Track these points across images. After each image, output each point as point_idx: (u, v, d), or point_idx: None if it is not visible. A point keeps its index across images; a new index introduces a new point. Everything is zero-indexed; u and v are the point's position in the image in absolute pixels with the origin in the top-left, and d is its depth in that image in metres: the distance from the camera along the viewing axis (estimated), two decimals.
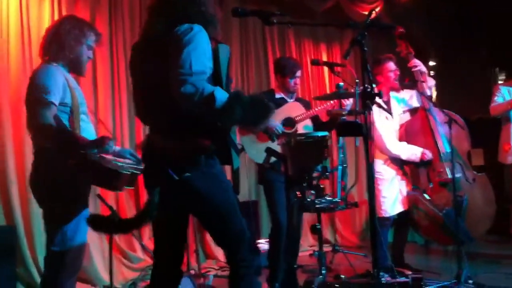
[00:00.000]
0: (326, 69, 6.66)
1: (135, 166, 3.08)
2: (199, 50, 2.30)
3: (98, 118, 4.48)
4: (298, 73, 4.29)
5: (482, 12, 7.07)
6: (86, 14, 4.76)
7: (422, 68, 4.61)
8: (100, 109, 4.96)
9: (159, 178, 2.40)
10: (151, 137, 2.53)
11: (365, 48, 2.75)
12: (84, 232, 2.91)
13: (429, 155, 4.49)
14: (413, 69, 4.62)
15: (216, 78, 2.39)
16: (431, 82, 4.73)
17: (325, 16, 6.28)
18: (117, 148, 3.20)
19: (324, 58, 6.55)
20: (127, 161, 3.11)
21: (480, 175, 4.80)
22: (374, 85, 2.93)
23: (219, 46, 2.44)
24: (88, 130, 2.93)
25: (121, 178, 2.73)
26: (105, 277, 4.53)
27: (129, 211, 4.95)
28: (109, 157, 2.76)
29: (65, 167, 2.65)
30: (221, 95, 2.25)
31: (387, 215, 4.52)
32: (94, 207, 4.44)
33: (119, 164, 2.87)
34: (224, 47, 2.48)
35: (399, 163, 4.62)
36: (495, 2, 6.80)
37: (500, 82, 7.23)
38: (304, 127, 4.17)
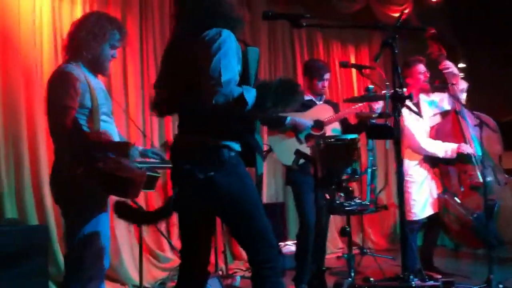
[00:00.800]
0: (354, 71, 6.63)
1: (157, 166, 3.06)
2: (228, 57, 2.32)
3: (129, 117, 4.53)
4: (326, 76, 4.29)
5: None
6: (117, 15, 4.82)
7: (454, 70, 4.55)
8: (131, 107, 5.02)
9: (184, 177, 2.42)
10: (178, 137, 2.56)
11: (396, 50, 2.75)
12: (105, 237, 2.86)
13: (466, 148, 4.42)
14: (444, 71, 4.57)
15: (244, 81, 2.42)
16: (463, 84, 4.67)
17: (353, 18, 6.26)
18: (140, 147, 3.20)
19: (352, 60, 6.53)
20: (151, 160, 3.10)
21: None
22: (404, 88, 2.90)
23: (248, 49, 2.46)
24: (109, 132, 2.86)
25: (136, 184, 2.64)
26: (134, 276, 4.60)
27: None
28: (126, 162, 2.64)
29: (78, 171, 2.61)
30: (250, 93, 2.29)
31: (417, 218, 4.48)
32: None
33: (140, 166, 2.83)
34: (254, 50, 2.50)
35: (430, 165, 4.58)
36: None
37: None
38: (332, 130, 4.17)
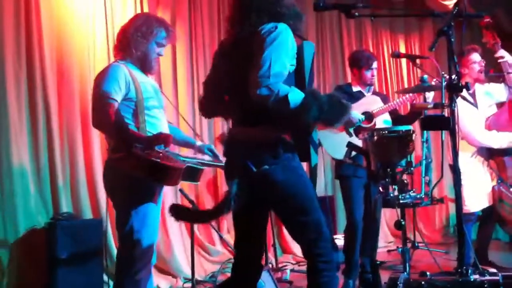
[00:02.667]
0: (404, 61, 6.50)
1: (202, 162, 3.12)
2: (281, 50, 2.32)
3: (179, 113, 4.58)
4: (374, 65, 4.21)
5: None
6: (167, 14, 4.88)
7: (510, 59, 4.40)
8: (180, 104, 5.09)
9: (239, 170, 2.42)
10: (233, 130, 2.57)
11: (452, 39, 2.67)
12: (153, 231, 2.92)
13: None
14: (500, 60, 4.43)
15: (299, 76, 2.42)
16: None
17: (404, 6, 6.12)
18: (199, 143, 3.27)
19: (402, 50, 6.40)
20: (206, 157, 3.16)
21: None
22: (459, 77, 2.82)
23: (304, 44, 2.45)
24: (157, 125, 2.93)
25: (174, 172, 2.72)
26: (185, 269, 4.66)
27: (208, 206, 5.04)
28: (164, 152, 2.73)
29: (121, 163, 2.73)
30: (295, 97, 2.27)
31: (472, 211, 4.37)
32: (175, 201, 4.58)
33: (186, 159, 2.90)
34: (309, 45, 2.49)
35: (485, 156, 4.45)
36: None
37: None
38: (383, 121, 4.10)
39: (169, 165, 2.68)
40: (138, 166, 2.67)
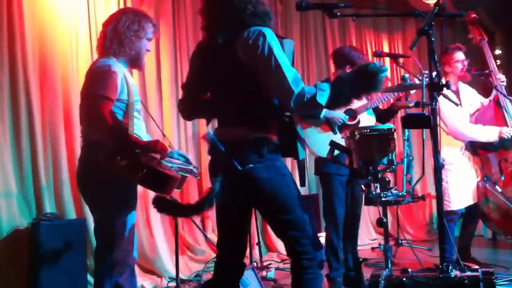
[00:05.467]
0: (387, 60, 6.53)
1: (185, 167, 3.11)
2: (282, 56, 2.37)
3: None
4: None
5: None
6: (151, 11, 4.86)
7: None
8: (164, 105, 5.09)
9: (223, 168, 2.44)
10: (218, 130, 2.58)
11: (433, 38, 2.70)
12: (133, 233, 2.91)
13: (508, 132, 4.34)
14: (486, 57, 4.49)
15: None
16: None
17: (386, 6, 6.16)
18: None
19: (386, 49, 6.44)
20: (176, 161, 3.14)
21: None
22: (440, 76, 2.85)
23: (283, 42, 2.48)
24: (140, 128, 2.91)
25: (174, 182, 2.69)
26: (170, 269, 4.66)
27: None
28: (158, 157, 2.69)
29: (114, 165, 2.61)
30: (323, 95, 2.32)
31: (455, 209, 4.42)
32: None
33: (170, 165, 2.87)
34: (289, 42, 2.52)
35: (470, 152, 4.51)
36: None
37: None
38: (367, 112, 4.11)
39: (173, 176, 2.66)
40: (138, 172, 2.59)
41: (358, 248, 4.23)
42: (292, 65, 2.47)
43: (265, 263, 5.05)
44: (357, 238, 4.18)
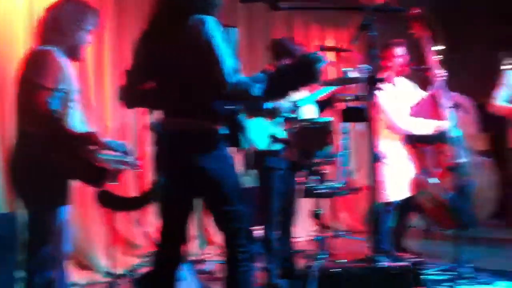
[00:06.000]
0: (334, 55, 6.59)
1: (122, 160, 3.05)
2: (223, 45, 2.37)
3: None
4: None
5: None
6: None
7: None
8: (106, 95, 4.99)
9: (169, 160, 2.45)
10: (165, 120, 2.56)
11: (373, 33, 2.75)
12: (67, 229, 2.85)
13: (444, 126, 4.45)
14: (427, 52, 4.59)
15: None
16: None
17: (333, 0, 6.19)
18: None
19: (331, 43, 6.47)
20: (113, 153, 3.07)
21: (486, 159, 4.79)
22: (379, 70, 2.90)
23: (227, 30, 2.48)
24: (77, 118, 2.85)
25: (108, 175, 2.68)
26: (105, 263, 4.59)
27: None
28: (94, 149, 2.66)
29: (49, 157, 2.57)
30: (257, 87, 2.32)
31: (392, 200, 4.53)
32: None
33: (107, 157, 2.81)
34: (232, 31, 2.54)
35: (409, 145, 4.61)
36: None
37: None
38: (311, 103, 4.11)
39: (107, 168, 2.64)
40: (73, 165, 2.57)
41: (298, 240, 4.25)
42: (235, 53, 2.47)
43: (203, 257, 5.02)
44: (291, 230, 4.17)
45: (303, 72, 2.40)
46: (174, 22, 2.43)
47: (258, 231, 4.84)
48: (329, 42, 6.51)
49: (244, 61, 5.56)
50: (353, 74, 3.75)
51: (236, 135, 2.52)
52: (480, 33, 7.49)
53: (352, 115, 2.82)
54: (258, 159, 3.96)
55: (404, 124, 4.50)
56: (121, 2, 5.17)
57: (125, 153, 3.10)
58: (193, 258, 4.76)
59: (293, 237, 4.17)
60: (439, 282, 3.94)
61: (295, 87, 2.45)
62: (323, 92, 4.10)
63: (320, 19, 6.53)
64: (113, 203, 2.60)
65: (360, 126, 3.57)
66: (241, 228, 2.49)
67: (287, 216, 4.05)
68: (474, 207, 4.52)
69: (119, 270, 4.48)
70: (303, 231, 5.57)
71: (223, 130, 2.48)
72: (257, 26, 6.01)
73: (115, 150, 3.02)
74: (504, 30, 7.29)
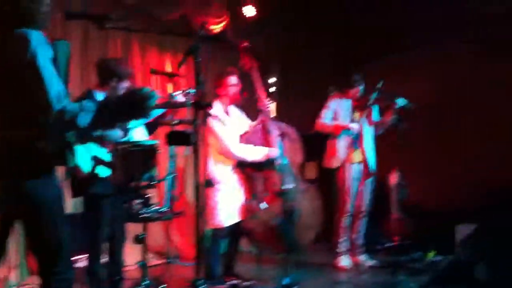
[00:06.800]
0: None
1: None
2: (47, 67, 2.25)
3: None
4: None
5: (325, 33, 7.53)
6: None
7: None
8: None
9: None
10: None
11: (199, 59, 2.82)
12: None
13: (274, 153, 4.67)
14: (256, 83, 4.80)
15: None
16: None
17: (173, 26, 6.24)
18: None
19: (169, 68, 6.48)
20: None
21: (310, 186, 5.12)
22: (206, 96, 2.96)
23: (57, 44, 2.38)
24: None
25: None
26: None
27: None
28: None
29: None
30: (84, 117, 2.24)
31: (224, 225, 4.60)
32: None
33: None
34: (63, 44, 2.43)
35: (239, 171, 4.74)
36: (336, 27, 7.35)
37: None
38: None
39: None
40: None
41: (129, 267, 4.11)
42: (67, 68, 2.38)
43: (26, 287, 4.67)
44: (121, 257, 4.01)
45: (133, 107, 2.36)
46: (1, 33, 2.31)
47: (82, 259, 4.65)
48: (168, 66, 6.50)
49: (78, 80, 5.44)
50: (180, 98, 3.78)
51: (63, 153, 2.40)
52: (312, 67, 8.02)
53: (177, 138, 2.83)
54: (83, 185, 3.69)
55: (237, 150, 4.63)
56: None
57: None
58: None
59: (123, 265, 4.05)
60: None
61: (124, 120, 2.43)
62: (152, 115, 4.07)
63: (159, 44, 6.53)
64: None
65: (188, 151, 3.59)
66: (60, 254, 2.39)
67: (115, 243, 3.91)
68: (299, 232, 4.78)
69: None
70: (132, 257, 5.42)
71: (48, 147, 2.34)
72: (94, 46, 5.82)
73: None
74: (332, 66, 7.88)
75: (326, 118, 5.70)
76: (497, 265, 3.78)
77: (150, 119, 4.13)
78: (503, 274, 3.76)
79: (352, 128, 5.58)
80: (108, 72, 3.83)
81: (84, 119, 2.24)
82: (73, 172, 2.62)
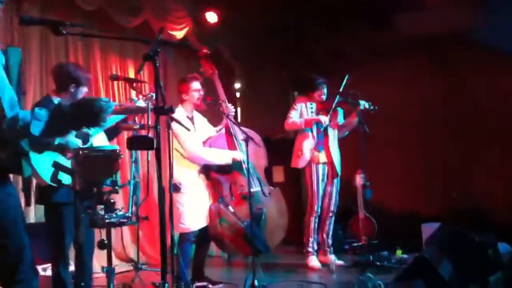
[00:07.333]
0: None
1: None
2: (1, 73, 2.21)
3: None
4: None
5: (287, 40, 7.62)
6: None
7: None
8: None
9: None
10: None
11: (157, 64, 2.81)
12: None
13: (239, 156, 4.72)
14: (218, 88, 4.84)
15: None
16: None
17: (136, 32, 6.21)
18: None
19: (131, 74, 6.43)
20: None
21: (275, 189, 5.16)
22: (164, 100, 2.95)
23: (8, 50, 2.35)
24: None
25: None
26: None
27: None
28: None
29: None
30: (38, 125, 2.20)
31: (191, 230, 4.59)
32: None
33: None
34: (15, 51, 2.40)
35: (205, 175, 4.74)
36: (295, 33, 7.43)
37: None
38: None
39: None
40: None
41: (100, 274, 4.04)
42: (19, 74, 2.34)
43: None
44: (89, 264, 3.96)
45: (87, 116, 2.33)
46: None
47: (48, 268, 4.56)
48: (129, 73, 6.45)
49: (36, 86, 5.34)
50: (141, 103, 3.77)
51: (16, 162, 2.37)
52: (275, 73, 8.10)
53: (138, 143, 2.82)
54: (44, 194, 3.67)
55: (204, 154, 4.63)
56: None
57: None
58: None
59: (91, 271, 4.01)
60: None
61: (77, 128, 2.39)
62: (112, 121, 4.03)
63: (121, 50, 6.48)
64: None
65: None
66: (18, 263, 2.34)
67: (82, 250, 3.84)
68: (266, 234, 4.81)
69: None
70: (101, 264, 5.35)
71: (2, 155, 2.31)
72: (54, 51, 5.74)
73: None
74: (296, 71, 7.97)
75: (294, 117, 5.77)
76: (461, 262, 3.87)
77: (108, 126, 4.11)
78: (467, 271, 3.85)
79: (322, 121, 5.65)
80: (66, 77, 3.71)
81: (37, 127, 2.21)
82: (31, 181, 2.57)
